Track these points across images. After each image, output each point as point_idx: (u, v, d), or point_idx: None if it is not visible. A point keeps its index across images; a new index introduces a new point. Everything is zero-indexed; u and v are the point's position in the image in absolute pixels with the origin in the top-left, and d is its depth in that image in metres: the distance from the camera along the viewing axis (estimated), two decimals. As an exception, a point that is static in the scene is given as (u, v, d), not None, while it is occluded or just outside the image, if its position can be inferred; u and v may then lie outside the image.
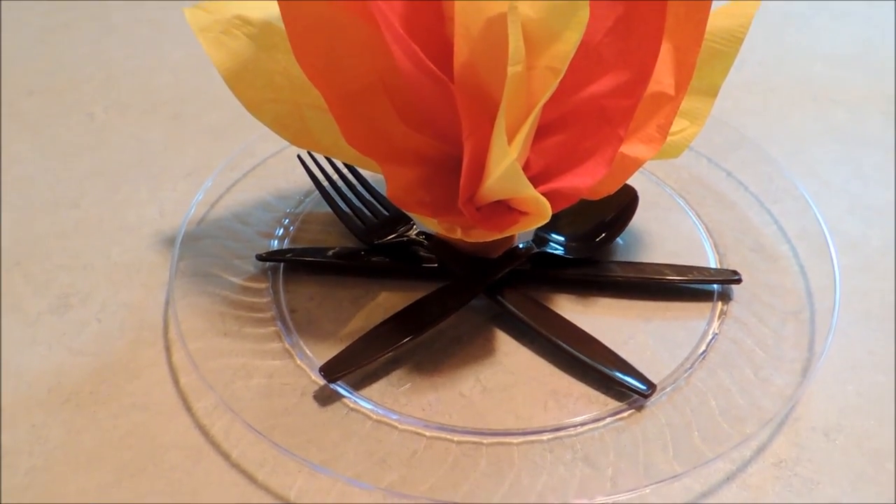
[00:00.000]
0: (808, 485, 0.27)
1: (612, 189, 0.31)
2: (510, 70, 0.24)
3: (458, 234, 0.30)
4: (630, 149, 0.30)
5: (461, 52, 0.26)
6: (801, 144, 0.43)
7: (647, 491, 0.26)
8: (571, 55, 0.25)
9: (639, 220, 0.36)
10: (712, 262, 0.36)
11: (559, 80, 0.25)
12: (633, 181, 0.35)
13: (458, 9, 0.26)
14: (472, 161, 0.27)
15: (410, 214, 0.33)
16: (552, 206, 0.28)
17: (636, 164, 0.30)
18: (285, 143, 0.37)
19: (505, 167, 0.25)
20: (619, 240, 0.36)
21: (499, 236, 0.30)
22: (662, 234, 0.37)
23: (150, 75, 0.47)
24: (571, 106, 0.29)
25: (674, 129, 0.31)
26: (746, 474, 0.28)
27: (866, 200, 0.39)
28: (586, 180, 0.29)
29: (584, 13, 0.24)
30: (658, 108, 0.30)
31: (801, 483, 0.27)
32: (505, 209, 0.30)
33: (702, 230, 0.37)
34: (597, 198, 0.32)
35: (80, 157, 0.41)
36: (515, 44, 0.24)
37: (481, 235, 0.30)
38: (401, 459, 0.28)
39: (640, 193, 0.36)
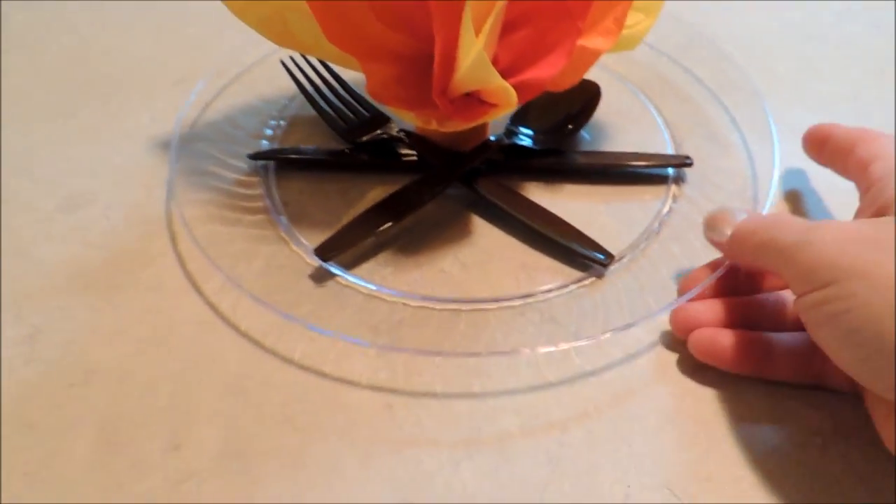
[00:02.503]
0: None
1: (574, 80, 0.34)
2: (475, -34, 0.27)
3: (433, 126, 0.33)
4: (589, 41, 0.33)
5: (431, -49, 0.28)
6: (757, 41, 0.45)
7: (603, 338, 0.30)
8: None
9: (602, 114, 0.39)
10: (669, 150, 0.39)
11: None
12: (598, 79, 0.38)
13: None
14: (443, 55, 0.30)
15: (389, 110, 0.36)
16: (519, 97, 0.31)
17: (595, 55, 0.33)
18: (267, 51, 0.40)
19: (473, 57, 0.28)
20: (584, 133, 0.39)
21: (471, 125, 0.33)
22: (624, 126, 0.40)
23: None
24: (534, 2, 0.32)
25: (629, 22, 0.33)
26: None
27: (813, 92, 0.42)
28: (549, 71, 0.32)
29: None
30: (614, 3, 0.32)
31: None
32: (476, 101, 0.33)
33: (660, 122, 0.40)
34: (561, 89, 0.35)
35: (72, 70, 0.43)
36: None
37: (455, 125, 0.33)
38: (390, 325, 0.31)
39: (604, 90, 0.39)
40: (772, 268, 0.28)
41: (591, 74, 0.35)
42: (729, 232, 0.29)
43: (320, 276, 0.33)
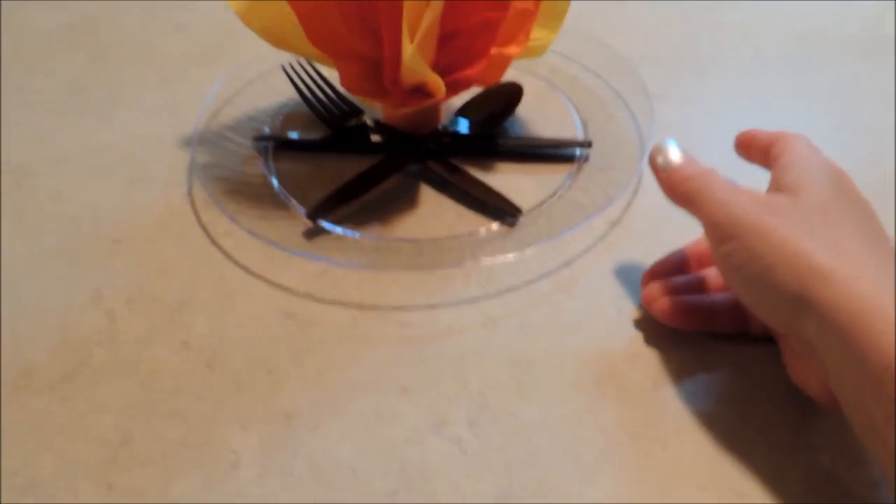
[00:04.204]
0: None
1: (495, 78, 0.45)
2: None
3: (390, 108, 0.45)
4: (505, 49, 0.44)
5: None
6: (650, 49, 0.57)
7: (510, 256, 0.41)
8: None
9: (527, 108, 0.50)
10: (580, 134, 0.50)
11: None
12: (525, 82, 0.49)
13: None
14: (391, 54, 0.42)
15: (358, 98, 0.47)
16: (454, 90, 0.43)
17: (509, 58, 0.44)
18: (265, 69, 0.51)
19: (408, 55, 0.40)
20: (514, 123, 0.50)
21: (416, 107, 0.44)
22: (545, 116, 0.51)
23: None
24: (464, 19, 0.43)
25: (535, 36, 0.44)
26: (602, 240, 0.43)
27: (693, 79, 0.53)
28: (474, 70, 0.43)
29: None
30: (524, 21, 0.44)
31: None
32: (419, 92, 0.44)
33: (574, 113, 0.51)
34: (486, 85, 0.46)
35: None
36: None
37: (406, 109, 0.44)
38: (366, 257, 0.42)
39: (529, 92, 0.50)
40: (693, 211, 0.34)
41: (523, 81, 0.47)
42: (672, 159, 0.35)
43: (311, 233, 0.43)
